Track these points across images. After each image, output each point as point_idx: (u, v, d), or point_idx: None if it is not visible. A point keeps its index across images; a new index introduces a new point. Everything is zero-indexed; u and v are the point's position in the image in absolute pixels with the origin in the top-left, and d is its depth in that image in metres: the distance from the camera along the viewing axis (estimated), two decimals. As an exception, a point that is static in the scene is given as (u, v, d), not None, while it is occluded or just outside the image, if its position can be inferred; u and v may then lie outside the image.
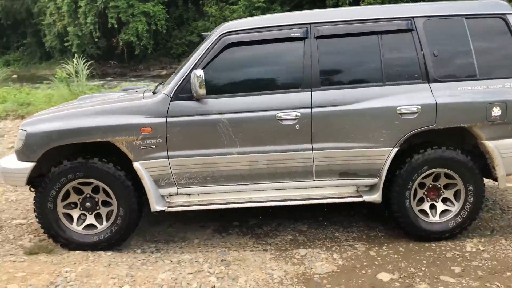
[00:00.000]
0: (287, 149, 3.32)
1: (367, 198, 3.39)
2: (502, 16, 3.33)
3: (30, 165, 3.20)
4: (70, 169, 3.19)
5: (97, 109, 3.45)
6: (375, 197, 3.36)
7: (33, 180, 3.33)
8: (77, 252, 3.23)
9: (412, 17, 3.33)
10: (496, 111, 3.23)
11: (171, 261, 3.18)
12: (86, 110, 3.46)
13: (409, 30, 3.31)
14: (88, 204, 3.31)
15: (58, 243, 3.29)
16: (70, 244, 3.27)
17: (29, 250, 3.17)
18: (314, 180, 3.43)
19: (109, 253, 3.27)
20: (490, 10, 3.38)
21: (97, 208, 3.33)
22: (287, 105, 3.28)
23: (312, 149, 3.32)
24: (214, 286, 2.76)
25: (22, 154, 3.25)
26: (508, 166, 3.31)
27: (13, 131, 7.65)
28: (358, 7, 3.66)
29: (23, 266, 2.89)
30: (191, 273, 2.95)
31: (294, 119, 3.25)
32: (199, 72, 3.06)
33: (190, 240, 3.67)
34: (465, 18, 3.34)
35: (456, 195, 3.42)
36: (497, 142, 3.27)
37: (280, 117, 3.24)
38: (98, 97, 4.29)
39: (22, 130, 3.28)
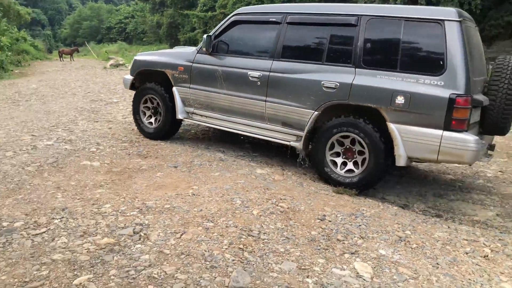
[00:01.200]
0: (251, 97, 4.82)
1: (293, 144, 4.56)
2: (440, 22, 3.78)
3: (131, 78, 5.99)
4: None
5: (165, 53, 5.95)
6: (298, 145, 4.49)
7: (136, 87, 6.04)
8: (371, 199, 4.05)
9: (360, 15, 4.19)
10: (400, 99, 3.83)
11: (449, 227, 3.58)
12: (161, 53, 6.08)
13: (354, 25, 4.18)
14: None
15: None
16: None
17: (337, 190, 4.16)
18: (267, 124, 4.81)
19: (395, 207, 3.96)
20: (432, 15, 3.85)
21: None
22: (255, 67, 4.78)
23: (266, 101, 4.71)
24: (487, 255, 3.04)
25: (130, 71, 6.06)
26: (409, 149, 3.89)
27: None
28: (324, 4, 4.75)
29: (333, 199, 3.89)
30: (466, 240, 3.30)
31: (257, 77, 4.73)
32: (207, 36, 5.01)
33: (470, 216, 3.95)
34: (405, 20, 3.95)
35: (364, 162, 4.16)
36: (399, 126, 3.88)
37: (250, 74, 4.78)
38: (177, 48, 6.56)
39: (134, 59, 6.06)
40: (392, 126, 3.92)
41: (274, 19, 4.80)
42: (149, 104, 5.82)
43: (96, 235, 2.87)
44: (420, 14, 3.93)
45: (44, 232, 2.91)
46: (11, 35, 24.65)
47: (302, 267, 2.58)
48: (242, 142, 5.75)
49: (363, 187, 4.21)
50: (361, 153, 4.20)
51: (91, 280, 2.35)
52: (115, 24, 54.77)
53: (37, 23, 66.04)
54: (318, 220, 3.29)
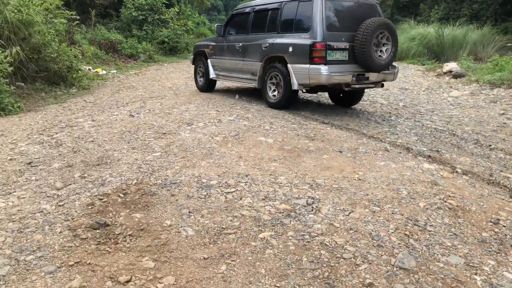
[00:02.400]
0: (237, 59, 8.01)
1: (254, 85, 7.57)
2: (310, 0, 6.44)
3: (192, 56, 9.84)
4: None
5: (207, 39, 10.74)
6: (256, 84, 7.50)
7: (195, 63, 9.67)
8: None
9: (281, 2, 7.04)
10: (290, 49, 6.58)
11: None
12: (205, 39, 11.55)
13: (278, 8, 7.08)
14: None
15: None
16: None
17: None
18: (245, 75, 7.87)
19: None
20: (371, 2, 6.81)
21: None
22: (238, 40, 8.03)
23: (243, 60, 7.83)
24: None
25: (192, 52, 10.25)
26: (297, 79, 6.51)
27: (505, 99, 8.33)
28: None
29: (510, 205, 3.65)
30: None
31: (239, 47, 7.90)
32: (218, 25, 8.61)
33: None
34: (299, 1, 6.71)
35: (280, 90, 7.04)
36: (292, 65, 6.55)
37: (236, 45, 7.99)
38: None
39: (194, 44, 10.62)
40: (289, 66, 6.60)
41: (248, 10, 8.04)
42: (199, 70, 9.49)
43: (275, 201, 3.30)
44: (369, 1, 6.76)
45: (233, 191, 3.47)
46: (194, 19, 27.77)
47: (470, 264, 2.58)
48: (408, 136, 5.69)
49: (281, 104, 7.07)
50: (278, 84, 7.09)
51: (272, 236, 2.77)
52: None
53: (214, 8, 72.69)
54: (491, 223, 3.18)
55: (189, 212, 3.10)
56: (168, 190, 3.50)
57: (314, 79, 6.24)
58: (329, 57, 6.22)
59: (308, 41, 6.24)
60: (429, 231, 2.96)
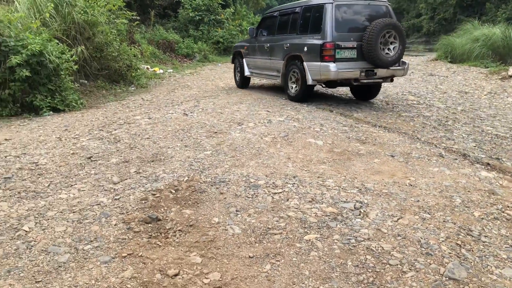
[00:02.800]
0: (266, 58, 8.97)
1: (278, 81, 8.64)
2: (322, 5, 7.18)
3: (232, 57, 11.03)
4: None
5: (243, 40, 11.70)
6: (279, 81, 8.56)
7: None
8: None
9: (300, 6, 7.93)
10: (305, 48, 7.40)
11: None
12: (241, 40, 13.39)
13: (298, 12, 8.00)
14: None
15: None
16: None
17: None
18: (273, 72, 8.75)
19: None
20: (320, 2, 7.32)
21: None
22: (266, 41, 9.03)
23: (270, 59, 8.74)
24: None
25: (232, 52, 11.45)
26: (311, 75, 7.30)
27: None
28: (290, 3, 9.01)
29: None
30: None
31: (267, 47, 8.86)
32: (250, 28, 9.80)
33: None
34: (313, 6, 7.53)
35: (298, 85, 7.87)
36: (307, 63, 7.35)
37: (265, 45, 9.01)
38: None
39: (234, 45, 12.06)
40: (305, 64, 7.42)
41: (275, 14, 9.05)
42: (237, 68, 10.60)
43: (322, 203, 3.30)
44: (318, 1, 7.40)
45: (280, 192, 3.50)
46: (249, 19, 28.04)
47: (527, 279, 2.45)
48: (465, 142, 5.45)
49: (298, 97, 7.90)
50: (297, 80, 7.83)
51: (318, 239, 2.78)
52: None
53: (269, 8, 73.16)
54: (554, 238, 2.99)
55: (237, 210, 3.17)
56: (217, 188, 3.60)
57: (324, 75, 7.07)
58: (338, 55, 6.99)
59: (319, 41, 7.08)
60: (483, 242, 2.83)
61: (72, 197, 3.44)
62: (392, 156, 4.69)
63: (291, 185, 3.66)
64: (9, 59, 6.54)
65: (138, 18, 13.51)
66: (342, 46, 6.99)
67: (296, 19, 7.97)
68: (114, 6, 10.34)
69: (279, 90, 9.78)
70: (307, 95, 7.84)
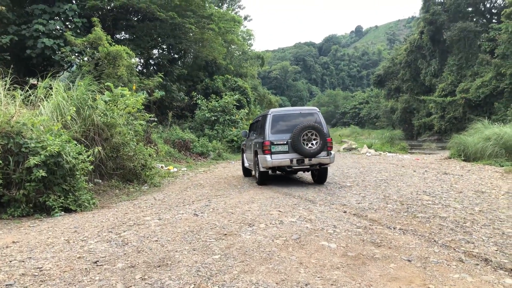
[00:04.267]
0: (249, 153, 11.96)
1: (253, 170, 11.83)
2: (266, 115, 10.30)
3: (242, 143, 15.45)
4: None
5: (244, 139, 14.01)
6: (253, 169, 11.57)
7: None
8: None
9: (261, 116, 11.42)
10: (257, 145, 10.48)
11: None
12: (244, 139, 14.16)
13: (259, 120, 11.49)
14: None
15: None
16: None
17: None
18: (252, 162, 11.47)
19: None
20: (265, 113, 10.74)
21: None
22: (250, 140, 11.94)
23: (250, 153, 11.65)
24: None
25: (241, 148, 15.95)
26: (261, 164, 10.06)
27: None
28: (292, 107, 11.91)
29: None
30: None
31: (250, 144, 11.89)
32: (243, 131, 13.15)
33: None
34: (263, 116, 10.90)
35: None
36: (259, 155, 10.24)
37: (250, 143, 11.96)
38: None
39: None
40: (258, 156, 10.24)
41: (254, 121, 12.00)
42: (242, 161, 13.12)
43: (335, 317, 3.07)
44: (265, 113, 10.86)
45: (291, 303, 3.29)
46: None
47: None
48: (486, 245, 5.20)
49: (258, 181, 10.37)
50: (257, 168, 10.46)
51: None
52: (350, 109, 58.24)
53: (281, 107, 76.83)
54: None
55: (244, 324, 2.96)
56: (224, 297, 3.41)
57: (264, 164, 9.76)
58: (273, 149, 9.70)
59: (262, 140, 9.95)
60: None
61: (72, 308, 3.28)
62: (409, 260, 4.46)
63: (303, 294, 3.46)
64: (27, 160, 6.75)
65: (156, 120, 14.15)
66: (275, 142, 9.73)
67: (258, 125, 11.19)
68: (133, 108, 10.89)
69: (291, 188, 9.76)
70: (263, 179, 10.26)
